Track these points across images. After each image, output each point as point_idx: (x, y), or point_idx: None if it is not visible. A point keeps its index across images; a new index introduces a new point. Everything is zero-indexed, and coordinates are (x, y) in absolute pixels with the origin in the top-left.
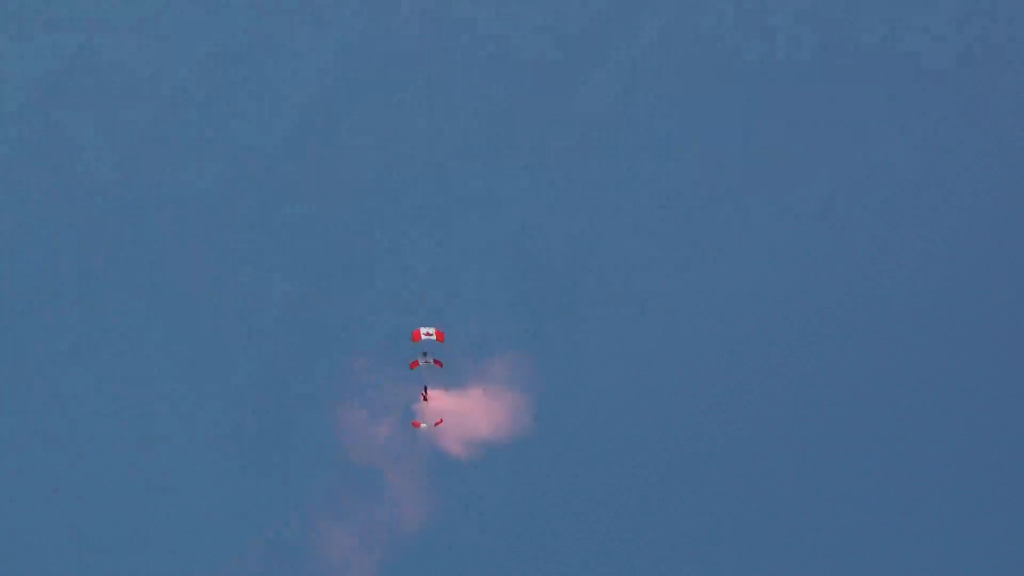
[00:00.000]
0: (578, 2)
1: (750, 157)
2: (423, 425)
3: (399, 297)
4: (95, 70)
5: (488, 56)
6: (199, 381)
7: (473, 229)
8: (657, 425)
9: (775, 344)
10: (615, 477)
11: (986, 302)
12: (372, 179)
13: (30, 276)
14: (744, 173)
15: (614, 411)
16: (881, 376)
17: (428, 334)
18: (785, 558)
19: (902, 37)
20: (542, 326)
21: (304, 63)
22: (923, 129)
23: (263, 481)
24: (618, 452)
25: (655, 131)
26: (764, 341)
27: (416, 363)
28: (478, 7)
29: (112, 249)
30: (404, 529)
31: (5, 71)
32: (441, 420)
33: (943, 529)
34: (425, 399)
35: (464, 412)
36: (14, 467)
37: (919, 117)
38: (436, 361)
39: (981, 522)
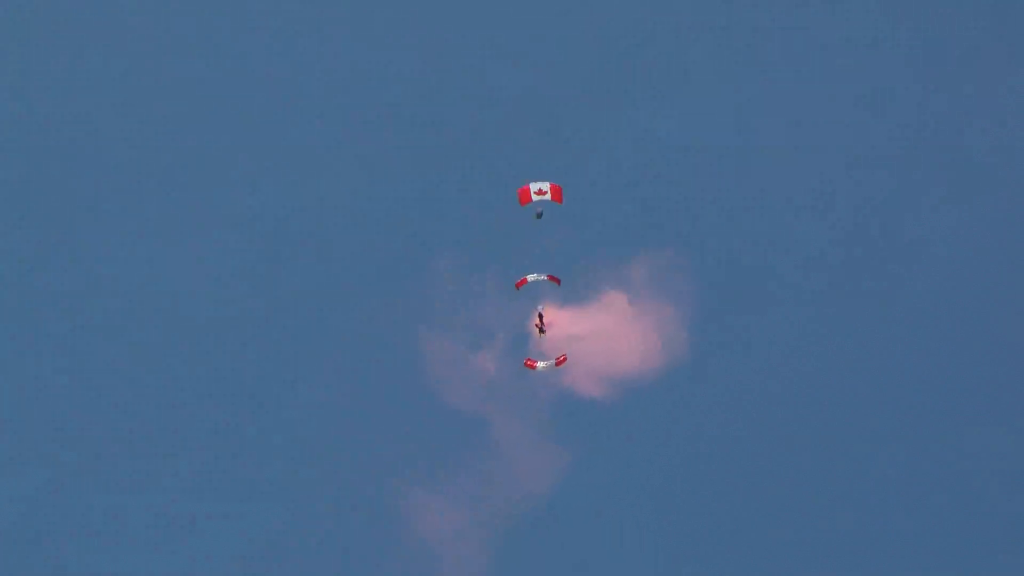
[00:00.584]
0: None
1: None
2: (540, 365)
3: (505, 167)
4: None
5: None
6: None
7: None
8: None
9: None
10: (804, 426)
11: (987, 303)
12: None
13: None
14: None
15: (806, 331)
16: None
17: (541, 192)
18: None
19: None
20: (703, 213)
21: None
22: None
23: (330, 430)
24: (810, 391)
25: None
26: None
27: (524, 281)
28: None
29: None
30: (519, 500)
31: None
32: (565, 357)
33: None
34: (541, 329)
35: (599, 334)
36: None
37: None
38: (551, 277)
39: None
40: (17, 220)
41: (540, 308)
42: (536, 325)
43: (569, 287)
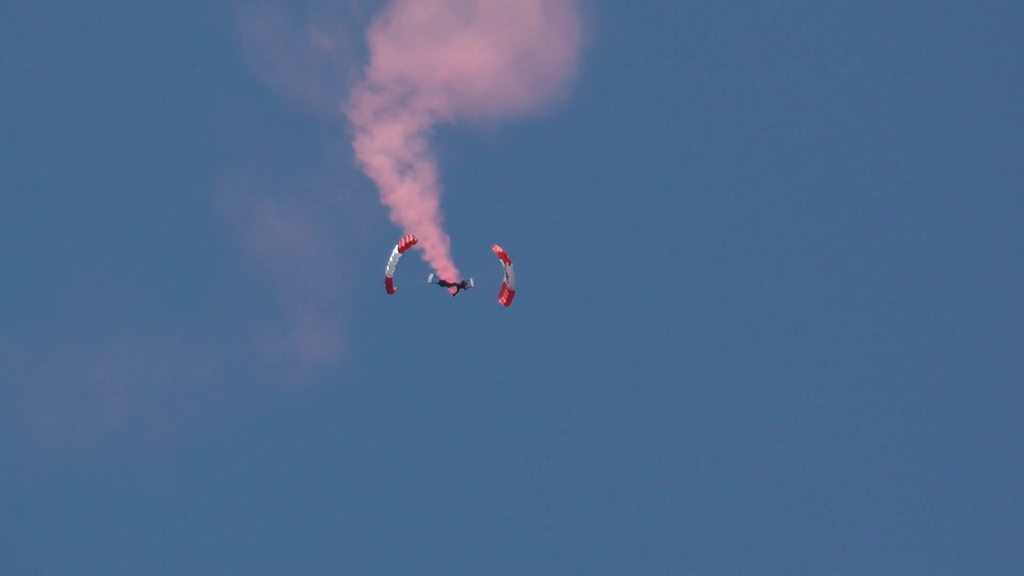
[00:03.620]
0: None
1: None
2: (508, 282)
3: None
4: None
5: None
6: None
7: None
8: None
9: None
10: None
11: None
12: None
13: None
14: None
15: None
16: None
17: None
18: None
19: None
20: None
21: None
22: None
23: None
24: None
25: None
26: None
27: (389, 282)
28: None
29: None
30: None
31: None
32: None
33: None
34: (462, 285)
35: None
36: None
37: None
38: (458, 287)
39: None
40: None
41: (432, 280)
42: (453, 292)
43: None
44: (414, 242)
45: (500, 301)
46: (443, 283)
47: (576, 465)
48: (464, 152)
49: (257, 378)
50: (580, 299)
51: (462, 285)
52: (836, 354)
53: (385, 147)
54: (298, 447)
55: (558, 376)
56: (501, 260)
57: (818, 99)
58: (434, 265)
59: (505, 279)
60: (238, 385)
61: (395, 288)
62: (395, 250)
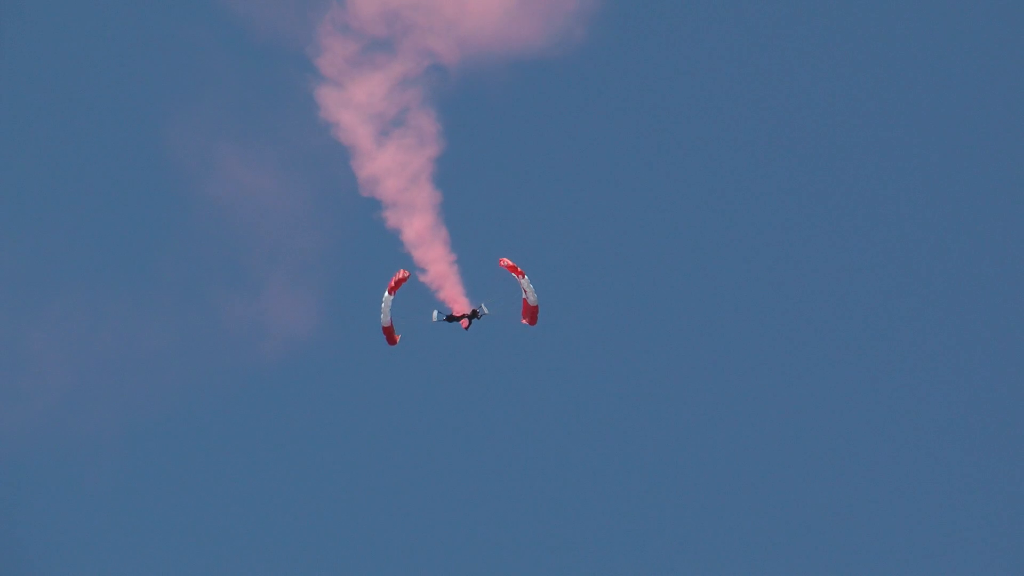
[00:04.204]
0: None
1: None
2: (529, 295)
3: None
4: None
5: None
6: None
7: None
8: None
9: None
10: None
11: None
12: None
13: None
14: None
15: None
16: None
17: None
18: None
19: None
20: None
21: None
22: None
23: None
24: None
25: None
26: None
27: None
28: None
29: None
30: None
31: None
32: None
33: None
34: (473, 314)
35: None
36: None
37: None
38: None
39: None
40: None
41: (438, 317)
42: (466, 325)
43: None
44: (405, 278)
45: (524, 321)
46: (451, 318)
47: (558, 440)
48: (464, 99)
49: (218, 349)
50: (592, 266)
51: (473, 315)
52: (837, 353)
53: (369, 95)
54: (264, 428)
55: (547, 351)
56: (513, 274)
57: (860, 52)
58: (437, 291)
59: (523, 295)
60: (196, 357)
61: (398, 336)
62: (386, 294)
